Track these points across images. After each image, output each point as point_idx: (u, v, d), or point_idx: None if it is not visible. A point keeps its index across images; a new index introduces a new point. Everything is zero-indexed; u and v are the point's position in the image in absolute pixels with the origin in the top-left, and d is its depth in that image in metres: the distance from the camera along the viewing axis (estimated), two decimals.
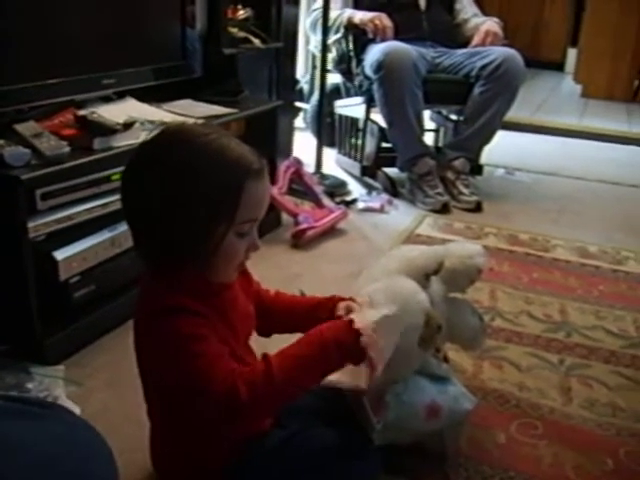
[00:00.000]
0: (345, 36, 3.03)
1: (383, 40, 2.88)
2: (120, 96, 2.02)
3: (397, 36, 2.92)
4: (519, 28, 6.50)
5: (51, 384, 1.49)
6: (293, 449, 1.12)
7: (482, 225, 2.70)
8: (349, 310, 1.15)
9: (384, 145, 3.09)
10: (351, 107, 3.20)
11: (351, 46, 3.04)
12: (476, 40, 3.04)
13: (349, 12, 3.02)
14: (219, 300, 1.09)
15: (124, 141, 1.69)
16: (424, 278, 1.29)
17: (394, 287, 1.16)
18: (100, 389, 1.53)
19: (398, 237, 2.52)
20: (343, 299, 1.20)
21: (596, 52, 5.73)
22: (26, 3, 1.63)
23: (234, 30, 2.43)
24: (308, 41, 3.62)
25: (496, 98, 2.88)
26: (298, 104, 3.64)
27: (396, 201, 2.93)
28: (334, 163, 3.36)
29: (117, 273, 1.74)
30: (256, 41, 2.47)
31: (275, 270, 2.18)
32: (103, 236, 1.70)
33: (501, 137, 3.19)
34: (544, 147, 4.15)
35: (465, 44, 3.09)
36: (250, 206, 1.03)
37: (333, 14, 2.99)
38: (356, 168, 3.19)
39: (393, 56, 2.76)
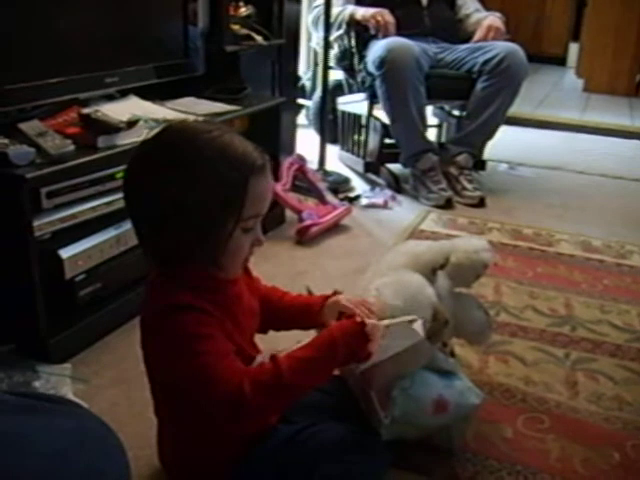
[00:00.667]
0: (347, 32, 3.03)
1: (385, 36, 2.88)
2: (123, 94, 2.02)
3: (399, 32, 2.92)
4: (521, 23, 6.49)
5: (58, 382, 1.50)
6: (300, 444, 1.12)
7: (486, 220, 2.70)
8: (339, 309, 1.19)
9: (387, 141, 3.08)
10: (354, 103, 3.20)
11: (353, 42, 3.03)
12: (478, 35, 3.03)
13: (351, 8, 3.02)
14: (224, 296, 1.09)
15: (128, 139, 1.69)
16: (431, 273, 1.30)
17: (402, 282, 1.17)
18: (107, 387, 1.54)
19: (402, 233, 2.52)
20: (335, 294, 1.24)
21: (598, 46, 5.71)
22: (29, 2, 1.63)
23: (236, 27, 2.43)
24: (310, 38, 3.61)
25: (499, 93, 2.88)
26: (300, 101, 3.64)
27: (399, 197, 2.93)
28: (337, 160, 3.36)
29: (123, 271, 1.75)
30: (258, 38, 2.47)
31: (280, 267, 2.18)
32: (108, 234, 1.70)
33: (504, 132, 3.19)
34: (547, 142, 4.14)
35: (467, 39, 3.08)
36: (255, 201, 1.03)
37: (335, 10, 2.99)
38: (359, 164, 3.19)
39: (395, 52, 2.76)
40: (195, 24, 2.26)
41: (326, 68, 3.02)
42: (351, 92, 3.26)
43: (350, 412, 1.23)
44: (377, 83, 2.86)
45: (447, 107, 3.34)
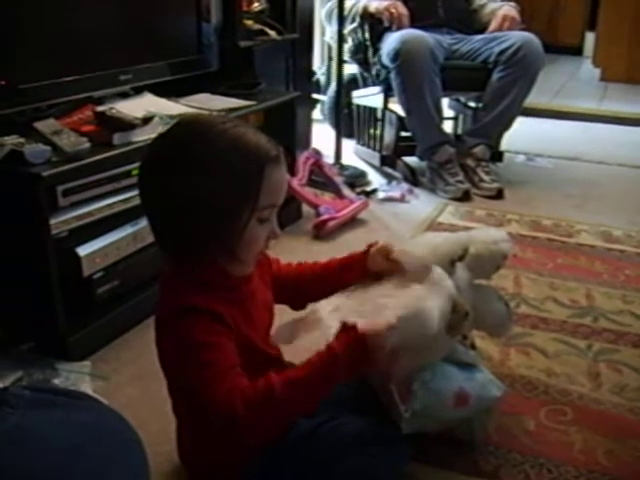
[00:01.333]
0: (361, 25, 3.01)
1: (399, 28, 2.86)
2: (138, 92, 2.02)
3: (413, 24, 2.90)
4: (536, 13, 6.42)
5: (77, 380, 1.50)
6: (320, 439, 1.12)
7: (504, 212, 2.67)
8: (386, 251, 1.21)
9: (403, 134, 3.06)
10: (369, 97, 3.18)
11: (367, 35, 3.02)
12: (493, 25, 3.00)
13: (364, 1, 3.00)
14: (239, 294, 1.08)
15: (143, 136, 1.69)
16: (449, 264, 1.28)
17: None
18: (126, 384, 1.54)
19: (419, 226, 2.51)
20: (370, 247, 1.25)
21: (614, 35, 5.65)
22: (42, 1, 1.63)
23: (249, 22, 2.42)
24: (324, 32, 3.60)
25: (515, 83, 2.85)
26: (315, 96, 3.63)
27: (417, 190, 2.91)
28: (353, 154, 3.34)
29: (140, 268, 1.75)
30: (272, 33, 2.46)
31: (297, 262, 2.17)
32: (125, 231, 1.70)
33: (521, 123, 3.15)
34: (564, 132, 4.10)
35: (482, 30, 3.05)
36: (270, 191, 1.03)
37: (348, 4, 2.97)
38: (375, 158, 3.17)
39: (410, 44, 2.74)
40: (208, 20, 2.25)
41: (340, 62, 3.01)
42: (366, 85, 3.24)
43: (370, 405, 1.22)
44: (392, 76, 2.85)
45: (463, 99, 3.32)
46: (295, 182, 2.45)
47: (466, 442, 1.34)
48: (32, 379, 1.46)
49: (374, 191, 2.86)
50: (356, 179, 2.92)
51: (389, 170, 3.13)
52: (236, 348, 1.02)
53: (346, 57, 3.14)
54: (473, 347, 1.37)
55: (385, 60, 2.88)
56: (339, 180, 2.68)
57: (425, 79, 2.77)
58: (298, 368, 1.03)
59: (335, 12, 2.92)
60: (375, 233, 2.46)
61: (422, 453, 1.29)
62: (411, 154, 3.05)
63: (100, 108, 1.74)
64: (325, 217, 2.41)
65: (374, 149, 3.19)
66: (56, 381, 1.48)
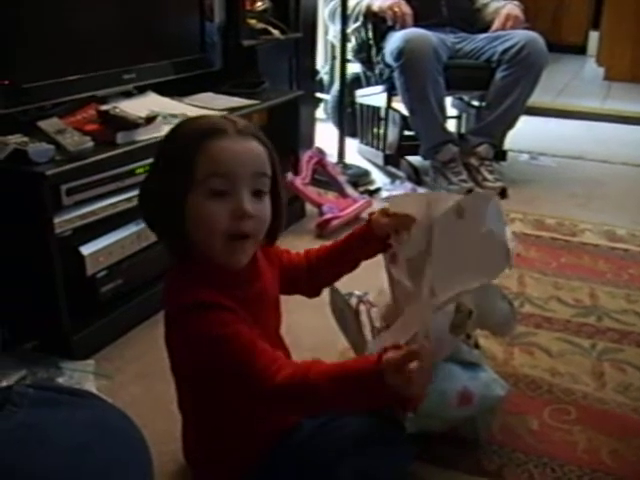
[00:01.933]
0: (364, 24, 3.01)
1: (403, 27, 2.86)
2: (141, 91, 2.02)
3: (417, 23, 2.89)
4: (540, 12, 6.41)
5: (81, 378, 1.50)
6: (324, 438, 1.12)
7: (507, 211, 2.66)
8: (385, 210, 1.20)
9: (406, 133, 3.06)
10: (372, 96, 3.18)
11: (370, 34, 3.01)
12: (497, 24, 3.00)
13: (367, 0, 2.99)
14: (245, 292, 1.06)
15: (147, 135, 1.69)
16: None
17: None
18: (130, 382, 1.54)
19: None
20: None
21: (619, 34, 5.64)
22: (45, 1, 1.64)
23: (253, 22, 2.42)
24: (327, 31, 3.59)
25: (518, 82, 2.84)
26: (319, 95, 3.63)
27: (420, 189, 2.91)
28: (356, 153, 3.34)
29: (144, 267, 1.75)
30: (275, 32, 2.46)
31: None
32: (129, 230, 1.70)
33: (524, 122, 3.15)
34: (568, 131, 4.10)
35: (486, 29, 3.05)
36: (210, 161, 1.00)
37: (351, 3, 2.97)
38: (379, 157, 3.17)
39: (413, 43, 2.74)
40: (212, 19, 2.26)
41: (344, 61, 3.01)
42: (369, 85, 3.24)
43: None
44: (395, 75, 2.84)
45: (466, 98, 3.32)
46: (298, 181, 2.45)
47: (470, 441, 1.34)
48: (36, 378, 1.46)
49: (377, 190, 2.86)
50: (359, 178, 2.92)
51: (392, 169, 3.13)
52: None
53: (349, 56, 3.14)
54: (477, 346, 1.37)
55: (388, 59, 2.88)
56: (342, 179, 2.67)
57: (428, 78, 2.76)
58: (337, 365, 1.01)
59: (338, 11, 2.92)
60: None
61: (425, 452, 1.29)
62: (414, 153, 3.05)
63: (103, 107, 1.74)
64: (328, 216, 2.41)
65: (377, 148, 3.19)
66: (60, 380, 1.48)
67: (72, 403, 0.71)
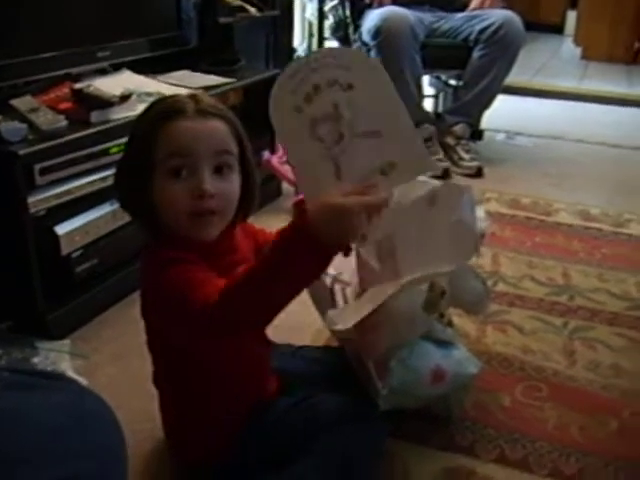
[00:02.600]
0: (342, 2, 3.00)
1: (380, 5, 2.85)
2: (116, 69, 2.00)
3: (394, 1, 2.88)
4: None
5: (57, 358, 1.50)
6: (298, 416, 1.13)
7: (483, 190, 2.68)
8: None
9: None
10: None
11: (348, 12, 3.00)
12: (474, 3, 3.00)
13: None
14: (219, 261, 1.06)
15: (121, 113, 1.68)
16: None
17: None
18: (106, 362, 1.54)
19: None
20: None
21: (596, 14, 5.65)
22: None
23: None
24: (305, 9, 3.57)
25: (495, 62, 2.85)
26: None
27: None
28: None
29: (119, 246, 1.74)
30: (252, 9, 2.44)
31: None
32: (104, 209, 1.69)
33: (501, 101, 3.16)
34: (545, 111, 4.12)
35: (463, 8, 3.05)
36: (168, 140, 1.02)
37: None
38: None
39: (391, 21, 2.73)
40: None
41: (321, 39, 3.01)
42: None
43: (347, 383, 1.23)
44: (372, 53, 2.83)
45: (444, 77, 3.32)
46: (275, 159, 2.44)
47: (443, 418, 1.36)
48: (11, 358, 1.46)
49: None
50: None
51: None
52: None
53: (327, 34, 3.13)
54: (450, 325, 1.38)
55: (366, 37, 2.87)
56: None
57: (405, 57, 2.76)
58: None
59: None
60: None
61: (399, 429, 1.31)
62: None
63: (77, 85, 1.73)
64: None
65: None
66: (35, 360, 1.48)
67: (46, 386, 0.71)
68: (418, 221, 1.11)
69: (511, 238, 2.26)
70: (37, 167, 1.50)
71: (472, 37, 2.88)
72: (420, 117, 2.91)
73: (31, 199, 1.50)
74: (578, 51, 5.83)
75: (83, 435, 0.68)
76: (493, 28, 2.82)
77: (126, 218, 1.69)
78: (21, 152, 1.43)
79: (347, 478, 1.09)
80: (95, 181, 1.64)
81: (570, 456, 1.30)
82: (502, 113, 3.56)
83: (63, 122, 1.56)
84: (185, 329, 1.00)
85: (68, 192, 1.59)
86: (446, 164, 2.84)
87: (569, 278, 1.99)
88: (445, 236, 1.12)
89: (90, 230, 1.66)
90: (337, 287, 1.32)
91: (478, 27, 2.86)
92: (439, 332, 1.29)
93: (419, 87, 2.90)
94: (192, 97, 1.06)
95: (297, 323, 1.60)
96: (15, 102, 1.57)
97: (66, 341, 1.58)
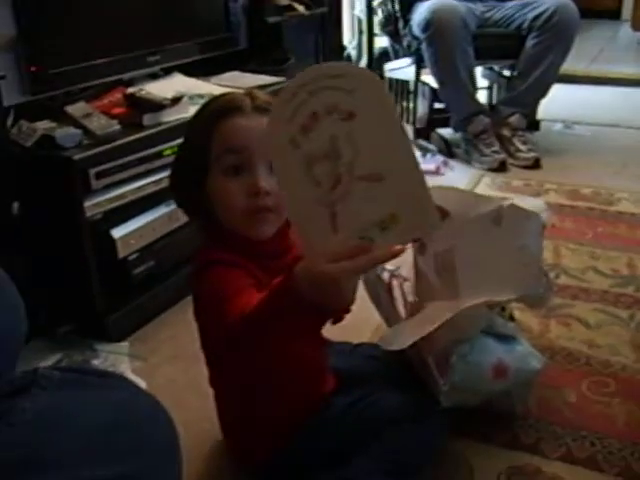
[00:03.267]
0: None
1: None
2: (167, 72, 2.01)
3: None
4: None
5: (116, 360, 1.52)
6: (357, 414, 1.11)
7: (541, 181, 2.62)
8: None
9: (437, 106, 3.02)
10: (401, 69, 3.14)
11: (397, 6, 2.97)
12: None
13: None
14: (275, 264, 1.05)
15: (173, 116, 1.69)
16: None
17: None
18: (164, 363, 1.55)
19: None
20: None
21: None
22: None
23: None
24: (353, 5, 3.55)
25: (550, 50, 2.78)
26: None
27: (452, 162, 2.87)
28: None
29: (175, 248, 1.75)
30: (300, 8, 2.44)
31: None
32: (160, 212, 1.70)
33: (557, 90, 3.07)
34: (603, 99, 4.00)
35: None
36: (224, 137, 1.01)
37: None
38: (409, 131, 3.13)
39: (441, 13, 2.69)
40: None
41: (371, 35, 2.99)
42: (397, 58, 3.19)
43: (407, 380, 1.21)
44: (423, 46, 2.80)
45: (497, 67, 3.25)
46: None
47: (505, 415, 1.33)
48: (71, 360, 1.48)
49: None
50: None
51: (423, 143, 3.08)
52: None
53: (376, 30, 3.10)
54: (512, 319, 1.34)
55: (416, 31, 2.83)
56: None
57: (457, 48, 2.71)
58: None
59: None
60: None
61: (461, 427, 1.28)
62: (445, 126, 3.01)
63: (130, 90, 1.74)
64: None
65: (408, 122, 3.14)
66: (95, 362, 1.50)
67: (99, 385, 0.71)
68: (481, 239, 1.07)
69: (572, 229, 2.19)
70: (92, 171, 1.52)
71: (525, 25, 2.81)
72: (475, 109, 2.86)
73: (87, 203, 1.51)
74: (637, 36, 5.66)
75: (134, 434, 0.68)
76: (546, 15, 2.75)
77: (182, 220, 1.71)
78: (76, 157, 1.45)
79: (406, 476, 1.06)
80: (149, 184, 1.65)
81: None
82: (559, 102, 3.47)
83: (116, 126, 1.58)
84: (219, 337, 0.99)
85: (123, 195, 1.61)
86: (502, 156, 2.79)
87: (634, 269, 1.92)
88: (509, 260, 1.08)
89: (145, 233, 1.67)
90: (395, 282, 1.30)
91: (531, 15, 2.79)
92: (500, 326, 1.25)
93: (472, 79, 2.84)
94: (248, 94, 1.06)
95: (355, 320, 1.58)
96: (69, 109, 1.59)
97: (124, 343, 1.60)
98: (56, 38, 1.60)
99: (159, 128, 1.65)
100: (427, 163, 2.80)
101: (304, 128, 0.80)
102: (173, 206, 1.69)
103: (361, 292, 1.43)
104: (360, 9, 3.20)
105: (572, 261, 1.97)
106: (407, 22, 2.94)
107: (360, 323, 1.56)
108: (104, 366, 1.47)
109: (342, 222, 0.81)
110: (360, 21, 3.52)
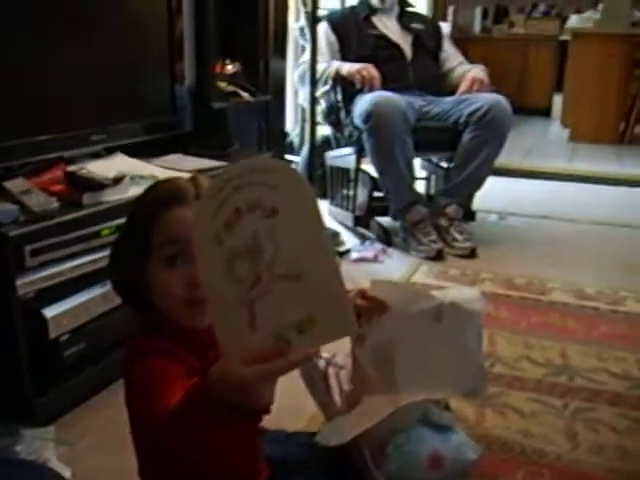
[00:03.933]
0: (333, 88, 3.05)
1: (371, 90, 2.90)
2: (110, 152, 2.01)
3: (385, 86, 2.94)
4: (505, 76, 6.60)
5: (41, 446, 1.45)
6: None
7: (477, 271, 2.68)
8: (362, 292, 1.13)
9: (376, 194, 3.08)
10: (342, 158, 3.21)
11: (340, 97, 3.06)
12: (463, 87, 3.07)
13: (336, 64, 3.05)
14: (211, 352, 1.04)
15: (114, 196, 1.68)
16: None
17: None
18: (91, 450, 1.49)
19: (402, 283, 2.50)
20: None
21: (581, 97, 5.81)
22: (15, 60, 1.64)
23: (223, 84, 2.45)
24: (297, 94, 3.65)
25: (485, 144, 2.89)
26: (289, 157, 3.65)
27: (390, 250, 2.92)
28: (327, 214, 3.35)
29: (109, 330, 1.71)
30: (245, 95, 2.49)
31: None
32: (94, 292, 1.67)
33: (492, 183, 3.19)
34: (535, 191, 4.16)
35: (452, 92, 3.12)
36: (166, 227, 1.00)
37: (320, 67, 3.02)
38: (349, 218, 3.18)
39: (382, 106, 2.78)
40: (182, 82, 2.28)
41: (313, 124, 3.04)
42: (339, 146, 3.27)
43: (343, 470, 1.18)
44: (364, 137, 2.88)
45: (435, 159, 3.36)
46: None
47: None
48: None
49: (347, 252, 2.85)
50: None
51: (363, 230, 3.13)
52: None
53: (319, 119, 3.18)
54: (448, 408, 1.34)
55: (357, 122, 2.92)
56: None
57: (397, 140, 2.80)
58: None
59: (307, 75, 2.96)
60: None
61: None
62: (384, 214, 3.07)
63: (70, 168, 1.73)
64: None
65: (347, 209, 3.20)
66: (18, 448, 1.42)
67: (18, 477, 0.68)
68: (421, 335, 1.08)
69: (507, 318, 2.23)
70: (28, 249, 1.49)
71: (462, 120, 2.93)
72: (413, 199, 2.93)
73: (20, 281, 1.47)
74: (566, 133, 5.95)
75: None
76: (482, 111, 2.87)
77: (116, 301, 1.67)
78: (11, 233, 1.42)
79: None
80: (86, 263, 1.63)
81: None
82: (494, 194, 3.60)
83: (55, 204, 1.56)
84: (147, 430, 0.95)
85: (58, 274, 1.57)
86: (439, 246, 2.84)
87: (567, 358, 1.96)
88: (449, 358, 1.09)
89: (79, 313, 1.63)
90: (331, 370, 1.28)
91: (467, 111, 2.91)
92: (436, 416, 1.25)
93: (411, 169, 2.93)
94: (193, 181, 1.05)
95: (290, 407, 1.55)
96: (8, 184, 1.57)
97: (51, 428, 1.53)
98: None
99: (98, 208, 1.64)
100: (366, 250, 2.84)
101: (228, 224, 0.79)
102: (108, 286, 1.66)
103: (297, 379, 1.41)
104: (304, 98, 3.28)
105: (506, 350, 2.00)
106: (349, 113, 3.02)
107: (296, 411, 1.54)
108: (28, 452, 1.40)
109: (260, 322, 0.79)
110: (303, 110, 3.60)
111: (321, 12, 3.23)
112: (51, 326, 1.56)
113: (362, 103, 2.87)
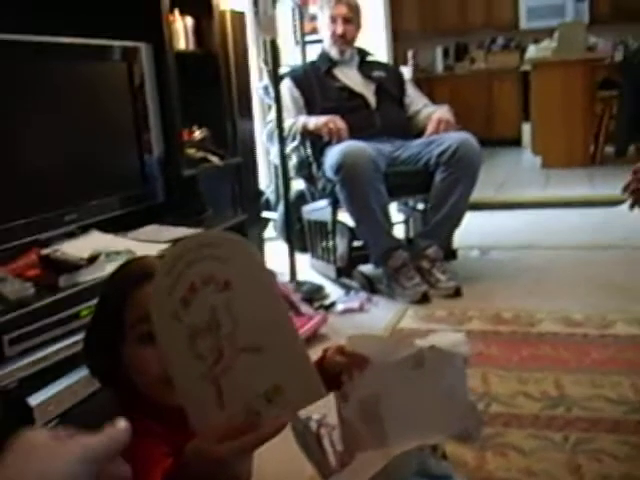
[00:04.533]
0: (302, 143, 3.08)
1: (339, 141, 2.93)
2: (84, 230, 2.01)
3: (352, 135, 2.97)
4: (472, 112, 6.73)
5: None
6: None
7: (464, 309, 2.67)
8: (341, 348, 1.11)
9: (356, 244, 3.09)
10: (318, 211, 3.22)
11: (309, 151, 3.08)
12: (430, 129, 3.10)
13: (303, 119, 3.08)
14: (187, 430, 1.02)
15: (90, 275, 1.68)
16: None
17: None
18: None
19: (381, 334, 2.48)
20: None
21: (549, 124, 5.89)
22: None
23: (192, 151, 2.47)
24: (269, 151, 3.68)
25: (458, 182, 2.91)
26: (266, 214, 3.67)
27: (375, 297, 2.90)
28: (309, 268, 3.34)
29: (96, 411, 1.67)
30: (214, 159, 2.51)
31: None
32: (78, 375, 1.64)
33: (470, 218, 3.21)
34: (513, 222, 4.19)
35: (419, 134, 3.15)
36: (138, 308, 1.00)
37: (287, 123, 3.05)
38: (331, 270, 3.17)
39: (351, 156, 2.80)
40: (150, 152, 2.29)
41: (286, 179, 3.06)
42: (314, 200, 3.28)
43: None
44: (337, 188, 2.89)
45: (411, 202, 3.38)
46: None
47: None
48: None
49: (332, 304, 2.83)
50: (313, 294, 2.90)
51: (346, 281, 3.12)
52: None
53: (292, 174, 3.20)
54: (444, 457, 1.32)
55: (329, 174, 2.94)
56: (296, 297, 2.66)
57: (370, 188, 2.82)
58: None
59: (276, 133, 2.99)
60: None
61: None
62: (366, 262, 3.07)
63: (44, 251, 1.73)
64: None
65: (329, 261, 3.19)
66: None
67: None
68: (404, 383, 1.07)
69: (498, 355, 2.22)
70: (6, 338, 1.48)
71: (432, 162, 2.95)
72: (392, 244, 2.93)
73: (1, 372, 1.45)
74: (538, 160, 6.02)
75: None
76: (451, 151, 2.90)
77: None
78: None
79: None
80: (67, 346, 1.61)
81: None
82: (473, 230, 3.61)
83: (31, 289, 1.56)
84: None
85: (40, 360, 1.56)
86: (424, 288, 2.84)
87: (562, 388, 1.94)
88: (435, 402, 1.08)
89: (65, 398, 1.61)
90: (324, 431, 1.26)
91: (436, 151, 2.94)
92: (433, 467, 1.23)
93: (387, 216, 2.94)
94: (161, 257, 1.05)
95: (288, 471, 1.53)
96: None
97: None
98: None
99: (75, 289, 1.64)
100: (351, 301, 2.83)
101: (184, 301, 0.79)
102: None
103: (294, 442, 1.39)
104: (274, 155, 3.30)
105: (501, 387, 1.98)
106: (320, 165, 3.05)
107: (294, 474, 1.51)
108: None
109: (228, 397, 0.79)
110: (276, 166, 3.63)
111: (283, 70, 3.28)
112: (37, 414, 1.53)
113: (332, 155, 2.90)
